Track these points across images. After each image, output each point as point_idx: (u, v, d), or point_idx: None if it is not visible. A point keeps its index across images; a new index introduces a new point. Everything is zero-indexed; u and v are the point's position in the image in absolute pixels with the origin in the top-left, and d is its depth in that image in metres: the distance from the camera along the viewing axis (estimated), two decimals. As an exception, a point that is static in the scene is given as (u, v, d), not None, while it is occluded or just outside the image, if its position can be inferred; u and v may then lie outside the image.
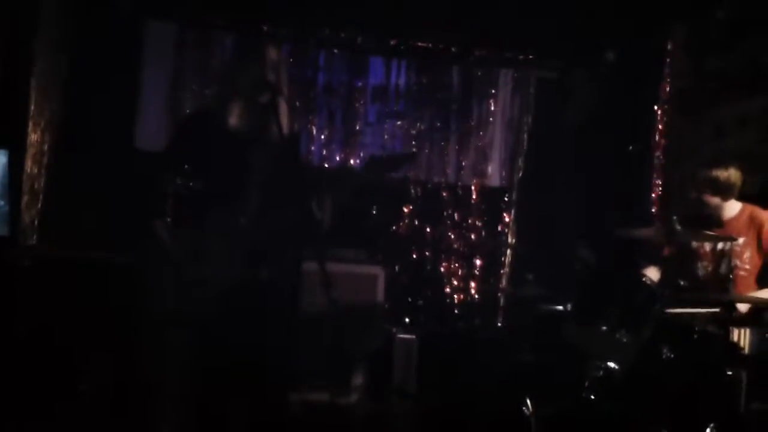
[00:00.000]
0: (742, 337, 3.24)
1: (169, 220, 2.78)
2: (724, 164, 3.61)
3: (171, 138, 3.16)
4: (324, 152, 5.33)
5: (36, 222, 4.48)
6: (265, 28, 5.10)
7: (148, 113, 5.03)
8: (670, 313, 3.27)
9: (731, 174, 3.57)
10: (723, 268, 3.55)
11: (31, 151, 4.37)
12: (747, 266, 3.56)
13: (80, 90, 4.72)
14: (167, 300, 2.72)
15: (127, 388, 3.53)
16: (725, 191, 3.59)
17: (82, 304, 3.92)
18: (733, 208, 3.64)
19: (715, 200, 3.61)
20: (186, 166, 2.93)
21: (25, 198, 4.36)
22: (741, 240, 3.54)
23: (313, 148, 5.28)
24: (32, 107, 4.34)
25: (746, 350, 3.23)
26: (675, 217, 3.31)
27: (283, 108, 2.83)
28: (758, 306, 3.38)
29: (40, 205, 4.51)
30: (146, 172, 2.98)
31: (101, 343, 3.84)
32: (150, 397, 2.90)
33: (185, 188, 2.96)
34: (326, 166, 5.30)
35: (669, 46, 4.95)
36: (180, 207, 2.93)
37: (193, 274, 2.68)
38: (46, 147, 4.52)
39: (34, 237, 4.48)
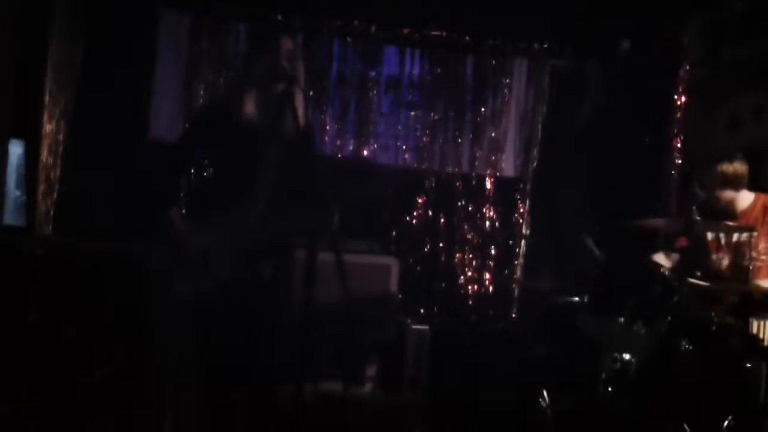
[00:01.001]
0: (762, 328, 3.22)
1: (183, 210, 2.78)
2: (728, 158, 3.66)
3: (185, 128, 3.15)
4: (338, 142, 5.32)
5: (52, 212, 4.50)
6: (279, 17, 5.09)
7: (163, 103, 5.03)
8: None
9: (737, 166, 3.63)
10: (740, 260, 3.54)
11: (46, 142, 4.38)
12: (763, 256, 3.57)
13: (95, 80, 4.72)
14: (181, 290, 2.72)
15: (142, 377, 3.54)
16: (735, 183, 3.63)
17: (97, 294, 3.94)
18: (746, 199, 3.68)
19: (728, 193, 3.65)
20: (201, 156, 2.92)
21: (42, 188, 4.37)
22: (756, 230, 3.53)
23: (326, 138, 5.27)
24: (47, 98, 4.35)
25: (765, 342, 3.20)
26: (694, 208, 3.30)
27: (299, 98, 2.81)
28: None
29: (56, 196, 4.53)
30: (161, 162, 2.97)
31: (116, 331, 3.86)
32: (163, 385, 2.91)
33: (200, 178, 2.96)
34: (339, 156, 5.28)
35: (685, 36, 4.90)
36: (194, 196, 2.93)
37: (206, 264, 2.68)
38: (61, 137, 4.53)
39: (50, 227, 4.50)
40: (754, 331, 3.17)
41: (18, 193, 3.98)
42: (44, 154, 4.36)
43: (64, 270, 3.97)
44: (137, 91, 4.92)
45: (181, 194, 2.88)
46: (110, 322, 3.94)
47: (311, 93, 5.11)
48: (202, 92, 5.04)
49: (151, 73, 5.01)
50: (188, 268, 2.67)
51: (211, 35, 5.08)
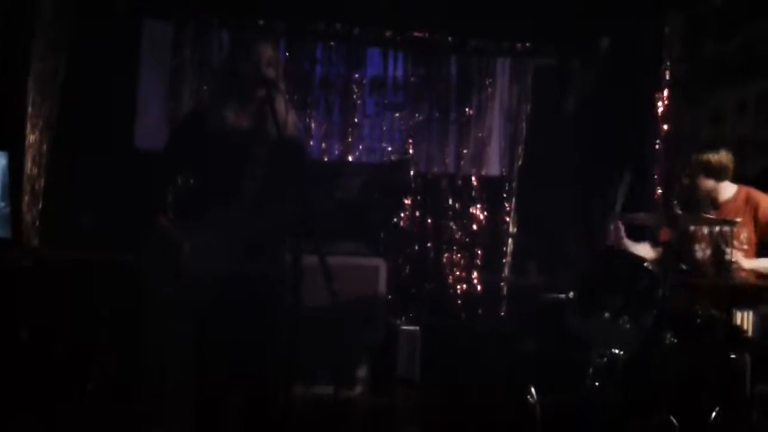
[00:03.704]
0: (745, 320, 3.25)
1: (170, 217, 2.78)
2: (715, 148, 3.71)
3: (169, 137, 3.15)
4: (323, 145, 5.33)
5: (37, 223, 4.48)
6: (261, 22, 5.09)
7: (147, 112, 5.03)
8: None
9: (722, 156, 3.68)
10: (722, 250, 3.58)
11: (30, 153, 4.37)
12: (745, 246, 3.63)
13: (78, 90, 4.71)
14: (170, 296, 2.73)
15: (131, 386, 3.54)
16: (718, 173, 3.68)
17: (84, 305, 3.92)
18: (728, 190, 3.72)
19: (710, 183, 3.70)
20: (185, 164, 2.94)
21: (26, 199, 4.36)
22: (738, 221, 3.57)
23: (311, 141, 5.28)
24: (30, 108, 4.34)
25: (749, 333, 3.23)
26: (675, 202, 3.34)
27: (280, 103, 2.83)
28: (759, 287, 3.38)
29: (40, 206, 4.51)
30: (146, 171, 2.98)
31: (104, 342, 3.85)
32: (153, 392, 2.91)
33: (185, 186, 2.97)
34: (325, 159, 5.29)
35: (666, 33, 4.94)
36: (181, 204, 2.93)
37: (195, 269, 2.68)
38: (45, 148, 4.52)
39: (36, 238, 4.48)
40: (738, 322, 3.20)
41: (2, 204, 3.97)
42: (28, 165, 4.35)
43: (50, 281, 3.96)
44: (121, 101, 4.91)
45: (168, 202, 2.89)
46: (100, 333, 3.93)
47: (295, 97, 5.12)
48: (186, 100, 5.04)
49: (134, 83, 5.00)
50: (177, 275, 2.68)
51: (194, 43, 5.08)
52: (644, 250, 3.78)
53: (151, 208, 2.78)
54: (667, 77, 4.93)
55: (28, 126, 4.34)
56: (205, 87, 5.03)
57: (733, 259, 3.41)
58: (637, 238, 3.87)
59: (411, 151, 5.38)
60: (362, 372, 4.32)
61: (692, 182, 3.72)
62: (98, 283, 4.00)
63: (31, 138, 4.38)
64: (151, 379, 3.03)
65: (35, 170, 4.45)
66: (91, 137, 4.66)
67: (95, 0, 4.76)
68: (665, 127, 4.93)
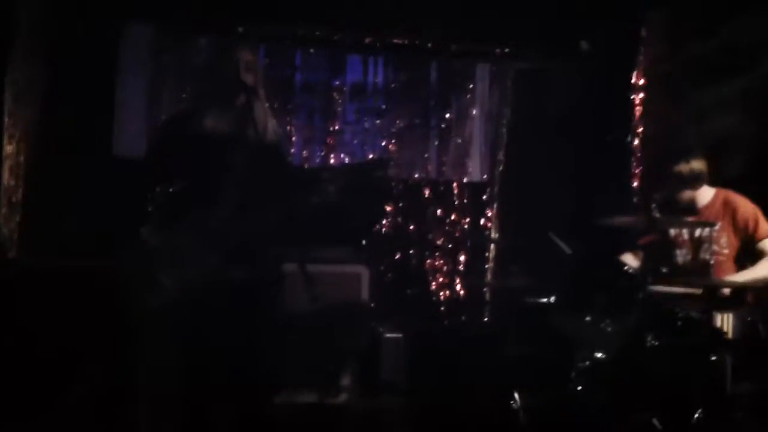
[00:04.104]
0: (726, 321, 3.27)
1: (150, 225, 2.77)
2: (684, 157, 3.70)
3: (149, 144, 3.14)
4: (304, 152, 5.32)
5: (15, 235, 4.43)
6: (240, 29, 5.08)
7: (126, 120, 4.98)
8: (657, 294, 3.30)
9: (694, 165, 3.67)
10: (702, 254, 3.60)
11: (7, 163, 4.32)
12: (725, 250, 3.62)
13: (56, 99, 4.67)
14: (151, 303, 2.71)
15: (115, 395, 3.51)
16: (692, 182, 3.68)
17: (66, 314, 3.88)
18: (706, 194, 3.73)
19: (686, 192, 3.70)
20: (165, 171, 2.93)
21: (4, 211, 4.31)
22: (717, 225, 3.59)
23: (292, 147, 5.26)
24: (6, 118, 4.29)
25: (730, 334, 3.25)
26: (654, 206, 3.36)
27: (260, 109, 2.83)
28: (739, 289, 3.41)
29: (19, 218, 4.46)
30: (126, 180, 2.97)
31: (88, 351, 3.82)
32: (137, 401, 2.89)
33: (165, 193, 2.96)
34: (306, 165, 5.28)
35: (645, 34, 4.97)
36: (161, 212, 2.92)
37: (176, 276, 2.67)
38: (22, 159, 4.47)
39: (14, 250, 4.43)
40: (718, 324, 3.23)
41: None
42: (5, 176, 4.30)
43: (31, 292, 3.92)
44: (100, 109, 4.87)
45: (149, 209, 2.87)
46: (84, 342, 3.89)
47: (276, 103, 5.10)
48: (165, 107, 5.01)
49: (113, 90, 4.96)
50: (160, 282, 2.67)
51: (173, 50, 5.05)
52: (626, 254, 3.80)
53: (132, 214, 2.77)
54: (648, 78, 4.96)
55: (5, 136, 4.29)
56: (184, 94, 5.00)
57: (712, 263, 3.43)
58: (618, 242, 3.88)
59: (392, 156, 5.38)
60: (347, 379, 4.30)
61: (670, 194, 3.71)
62: (79, 293, 3.96)
63: (8, 148, 4.33)
64: (134, 388, 3.00)
65: (12, 181, 4.40)
66: (70, 146, 4.61)
67: (74, 6, 4.72)
68: (643, 129, 4.96)
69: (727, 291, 3.43)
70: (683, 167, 3.65)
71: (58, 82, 4.66)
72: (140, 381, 2.88)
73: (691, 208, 3.71)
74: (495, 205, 5.57)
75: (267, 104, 2.95)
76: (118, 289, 2.89)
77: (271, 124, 2.92)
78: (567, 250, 3.68)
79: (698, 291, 3.30)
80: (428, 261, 5.48)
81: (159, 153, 2.93)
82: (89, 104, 4.76)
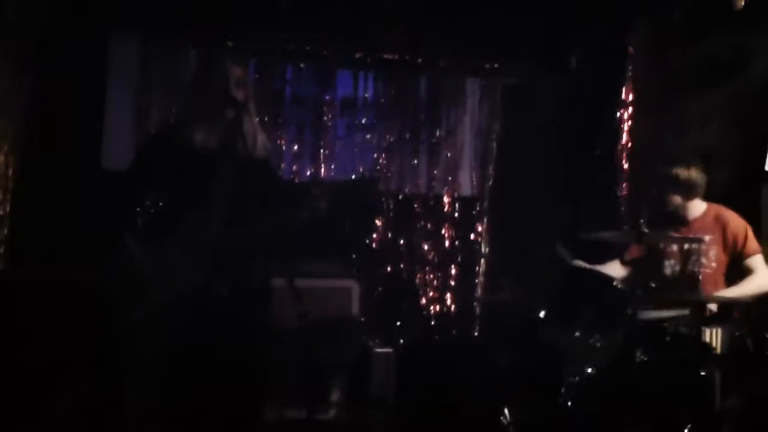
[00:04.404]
0: (714, 336, 3.27)
1: (138, 238, 2.76)
2: (686, 162, 3.63)
3: (137, 158, 3.13)
4: (294, 166, 5.32)
5: (2, 248, 4.41)
6: (230, 43, 5.08)
7: (114, 133, 4.97)
8: (644, 318, 3.29)
9: (692, 173, 3.60)
10: (690, 268, 3.58)
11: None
12: (714, 264, 3.59)
13: (44, 111, 4.65)
14: (138, 317, 2.70)
15: (102, 407, 3.48)
16: (687, 190, 3.61)
17: (53, 327, 3.85)
18: (698, 208, 3.68)
19: (677, 199, 3.63)
20: (153, 184, 2.92)
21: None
22: (707, 239, 3.57)
23: (282, 162, 5.26)
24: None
25: (718, 350, 3.26)
26: (642, 220, 3.34)
27: (249, 123, 2.82)
28: (726, 304, 3.41)
29: (6, 230, 4.44)
30: (113, 193, 2.95)
31: (75, 364, 3.79)
32: (123, 414, 2.86)
33: (153, 207, 2.95)
34: (296, 180, 5.28)
35: (630, 49, 5.02)
36: (148, 225, 2.91)
37: (163, 290, 2.66)
38: (10, 172, 4.45)
39: (1, 262, 4.41)
40: (707, 339, 3.23)
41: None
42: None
43: (19, 305, 3.89)
44: (88, 121, 4.86)
45: (136, 223, 2.86)
46: (71, 354, 3.86)
47: (266, 118, 5.10)
48: (153, 121, 5.00)
49: (101, 103, 4.95)
50: (147, 295, 2.66)
51: (162, 63, 5.05)
52: (613, 269, 3.80)
53: (117, 231, 2.76)
54: (633, 92, 4.99)
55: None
56: (173, 108, 5.00)
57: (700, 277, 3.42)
58: (605, 256, 3.88)
59: (381, 171, 5.39)
60: (336, 394, 4.28)
61: (660, 196, 3.67)
62: (66, 306, 3.93)
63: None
64: (121, 401, 2.98)
65: (-1, 195, 4.38)
66: (57, 159, 4.59)
67: (60, 17, 4.71)
68: (631, 143, 4.99)
69: (714, 307, 3.43)
70: (681, 171, 3.57)
71: (46, 94, 4.65)
72: (126, 394, 2.86)
73: (681, 218, 3.68)
74: (485, 220, 5.58)
75: (257, 119, 2.95)
76: (105, 301, 2.87)
77: (261, 139, 2.92)
78: (572, 261, 3.66)
79: (686, 312, 3.27)
80: (418, 275, 5.48)
81: (147, 166, 2.92)
82: (77, 117, 4.75)
